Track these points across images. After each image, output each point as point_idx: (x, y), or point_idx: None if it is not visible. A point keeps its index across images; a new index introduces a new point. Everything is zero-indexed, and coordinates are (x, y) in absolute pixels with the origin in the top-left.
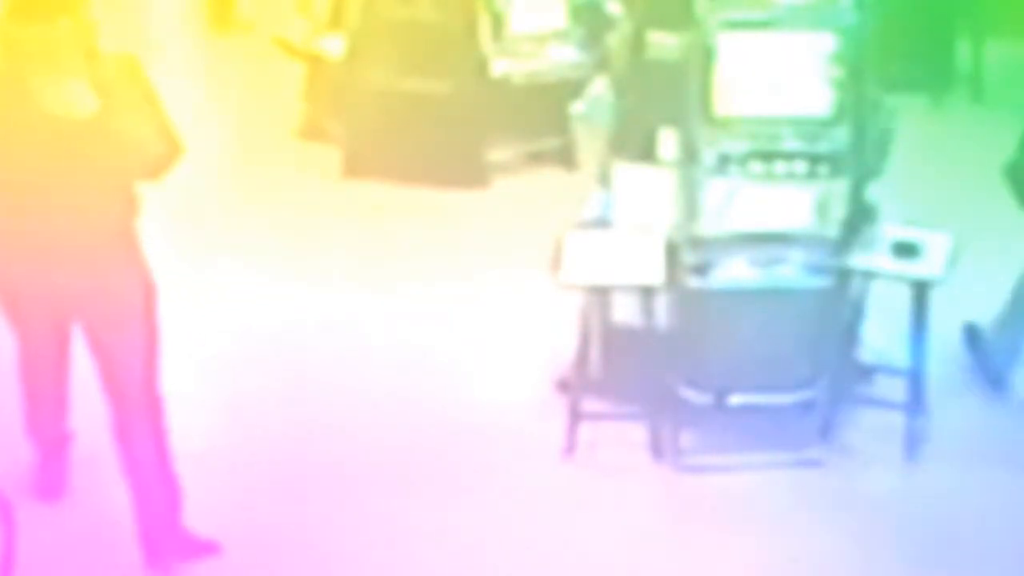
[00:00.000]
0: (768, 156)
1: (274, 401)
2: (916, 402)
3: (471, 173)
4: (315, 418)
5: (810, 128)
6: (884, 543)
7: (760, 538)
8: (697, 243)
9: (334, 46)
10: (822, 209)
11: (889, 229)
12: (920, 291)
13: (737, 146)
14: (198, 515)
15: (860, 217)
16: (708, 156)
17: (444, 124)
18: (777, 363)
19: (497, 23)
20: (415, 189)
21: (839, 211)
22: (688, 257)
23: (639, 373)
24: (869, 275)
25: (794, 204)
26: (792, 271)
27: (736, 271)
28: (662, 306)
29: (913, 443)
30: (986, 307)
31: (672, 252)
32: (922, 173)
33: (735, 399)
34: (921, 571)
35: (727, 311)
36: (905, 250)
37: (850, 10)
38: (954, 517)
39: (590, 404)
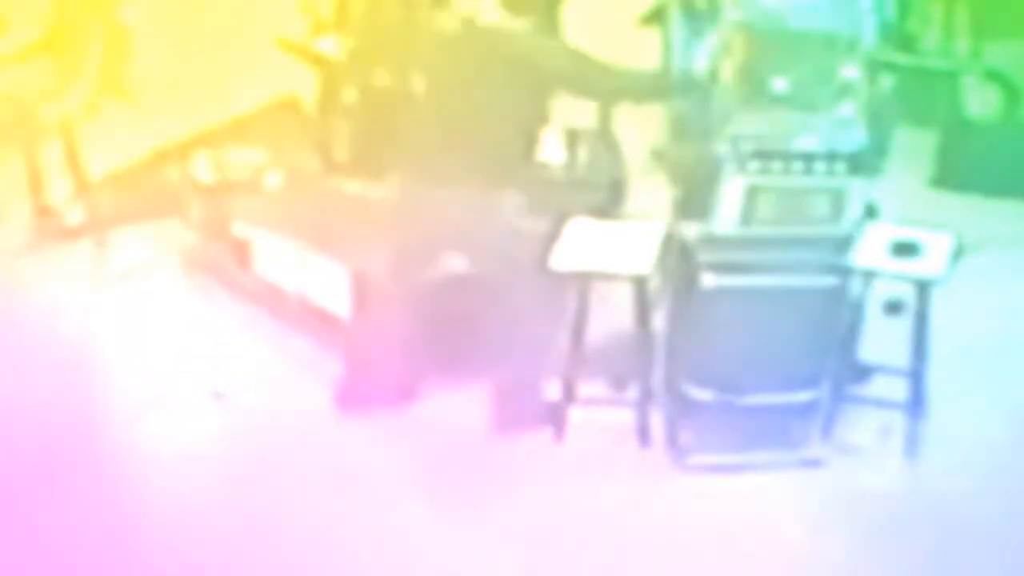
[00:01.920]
0: (787, 154)
1: None
2: (917, 402)
3: None
4: None
5: (829, 126)
6: (885, 543)
7: (763, 536)
8: (712, 241)
9: (335, 46)
10: (838, 208)
11: (889, 228)
12: (922, 290)
13: (756, 143)
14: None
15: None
16: (727, 153)
17: None
18: (782, 362)
19: None
20: None
21: (854, 210)
22: (701, 255)
23: (638, 370)
24: (870, 275)
25: (811, 203)
26: (806, 270)
27: (750, 269)
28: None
29: (913, 443)
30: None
31: (681, 250)
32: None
33: (740, 398)
34: (925, 571)
35: (736, 309)
36: (905, 249)
37: (868, 10)
38: (956, 518)
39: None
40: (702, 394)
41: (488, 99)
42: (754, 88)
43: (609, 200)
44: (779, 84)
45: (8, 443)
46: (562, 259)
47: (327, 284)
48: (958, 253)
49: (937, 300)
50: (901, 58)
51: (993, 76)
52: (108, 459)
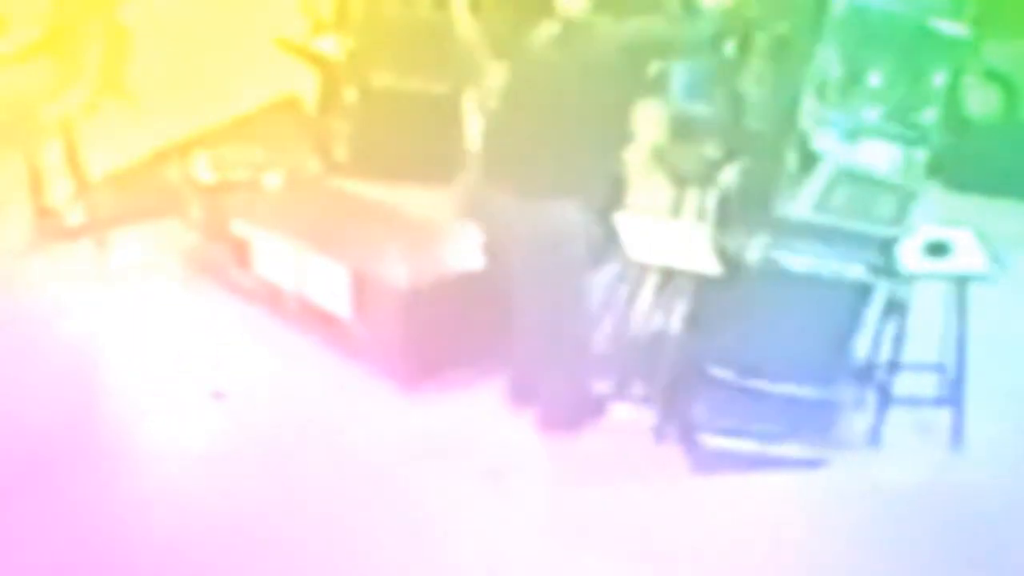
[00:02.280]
0: (872, 147)
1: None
2: (957, 397)
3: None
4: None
5: (911, 128)
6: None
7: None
8: (782, 222)
9: (335, 46)
10: (904, 211)
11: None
12: (962, 287)
13: (844, 130)
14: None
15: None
16: (823, 139)
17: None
18: (811, 354)
19: None
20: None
21: (917, 216)
22: (762, 236)
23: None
24: (914, 277)
25: (882, 201)
26: (861, 269)
27: (809, 257)
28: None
29: (958, 437)
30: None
31: (734, 231)
32: None
33: (761, 383)
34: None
35: (779, 294)
36: (938, 250)
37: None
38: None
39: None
40: (723, 373)
41: (578, 112)
42: (850, 77)
43: (609, 199)
44: (874, 78)
45: (8, 442)
46: (639, 252)
47: (327, 284)
48: (992, 250)
49: (936, 300)
50: None
51: (993, 76)
52: (108, 459)
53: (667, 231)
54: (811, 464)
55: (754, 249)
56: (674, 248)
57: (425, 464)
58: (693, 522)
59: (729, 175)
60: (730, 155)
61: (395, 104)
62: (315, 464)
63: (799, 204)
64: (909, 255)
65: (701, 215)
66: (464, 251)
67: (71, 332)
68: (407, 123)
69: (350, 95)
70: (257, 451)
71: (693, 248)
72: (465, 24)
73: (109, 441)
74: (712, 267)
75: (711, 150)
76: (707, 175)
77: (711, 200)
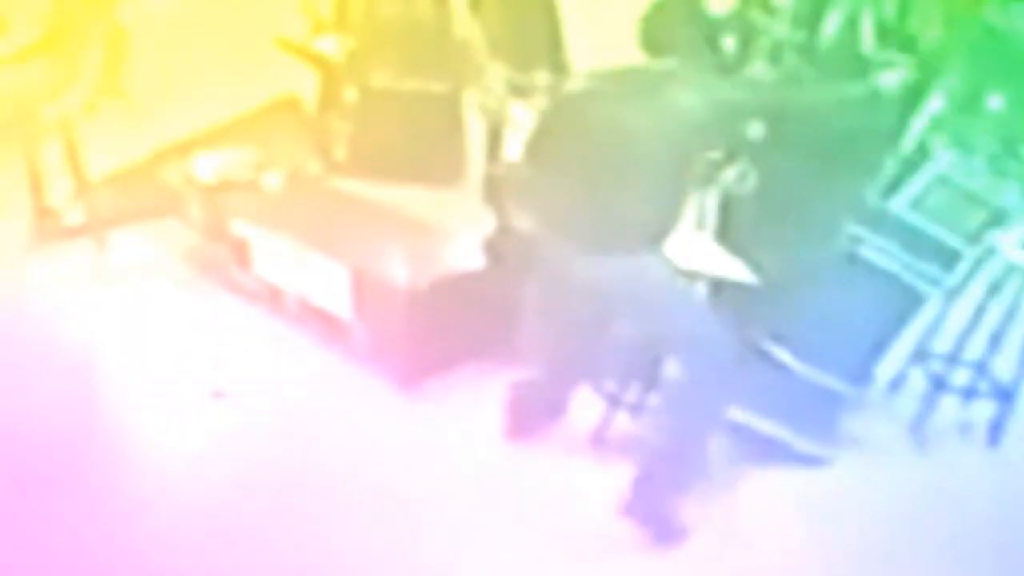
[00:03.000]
0: (970, 165)
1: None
2: (1011, 394)
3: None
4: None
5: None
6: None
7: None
8: (876, 213)
9: (335, 46)
10: (987, 231)
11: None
12: None
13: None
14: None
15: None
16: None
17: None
18: (849, 343)
19: None
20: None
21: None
22: (850, 222)
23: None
24: (1015, 268)
25: (972, 214)
26: (922, 280)
27: (881, 252)
28: None
29: (997, 433)
30: None
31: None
32: None
33: (789, 357)
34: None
35: (853, 283)
36: None
37: None
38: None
39: None
40: (751, 331)
41: (661, 165)
42: (970, 95)
43: None
44: (994, 101)
45: (8, 442)
46: (680, 258)
47: (327, 284)
48: None
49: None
50: (901, 59)
51: None
52: (107, 458)
53: (699, 238)
54: (817, 460)
55: (840, 238)
56: (710, 256)
57: (425, 464)
58: (702, 520)
59: (730, 176)
60: (731, 156)
61: (395, 104)
62: (315, 464)
63: (897, 199)
64: (1009, 246)
65: (701, 215)
66: (464, 251)
67: (71, 332)
68: (407, 123)
69: (350, 95)
70: (257, 451)
71: (716, 254)
72: (464, 24)
73: (108, 440)
74: (746, 275)
75: (711, 150)
76: (707, 176)
77: (711, 201)
